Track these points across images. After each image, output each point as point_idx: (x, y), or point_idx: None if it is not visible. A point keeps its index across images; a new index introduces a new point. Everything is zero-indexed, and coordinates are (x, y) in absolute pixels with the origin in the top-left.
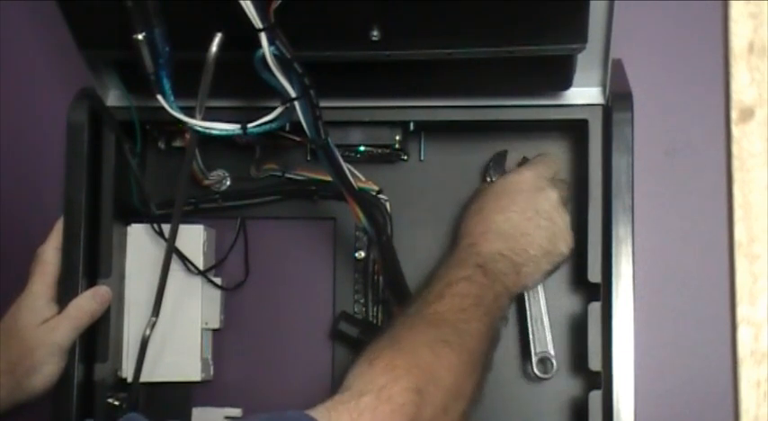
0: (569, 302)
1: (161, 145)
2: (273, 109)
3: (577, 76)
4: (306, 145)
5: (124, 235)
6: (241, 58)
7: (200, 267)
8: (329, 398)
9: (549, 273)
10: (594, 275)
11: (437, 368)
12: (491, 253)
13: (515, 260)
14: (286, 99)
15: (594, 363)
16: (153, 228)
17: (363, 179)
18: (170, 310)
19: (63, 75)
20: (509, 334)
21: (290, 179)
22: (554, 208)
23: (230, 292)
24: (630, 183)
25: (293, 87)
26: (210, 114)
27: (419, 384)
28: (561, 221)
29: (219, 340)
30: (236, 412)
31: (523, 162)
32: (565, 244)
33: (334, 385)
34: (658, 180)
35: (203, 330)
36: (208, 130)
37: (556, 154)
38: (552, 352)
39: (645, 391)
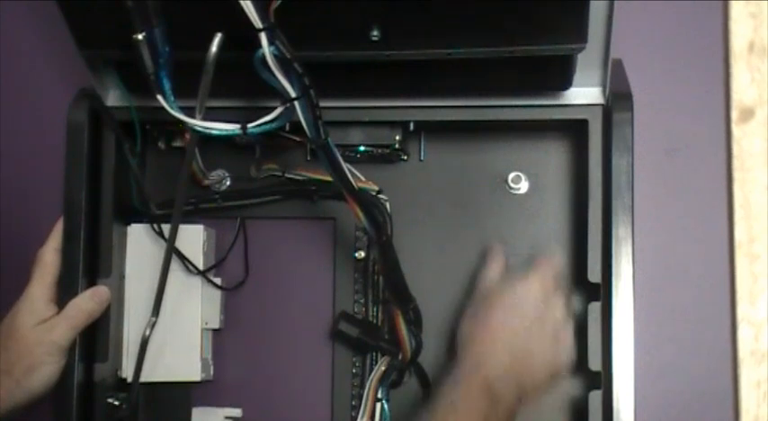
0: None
1: (161, 145)
2: (273, 109)
3: (577, 76)
4: (306, 145)
5: (124, 235)
6: (241, 58)
7: (200, 267)
8: None
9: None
10: (594, 275)
11: None
12: (498, 375)
13: (521, 382)
14: (286, 99)
15: (594, 363)
16: (153, 228)
17: (363, 179)
18: (170, 310)
19: (63, 75)
20: None
21: (290, 179)
22: (560, 323)
23: (230, 292)
24: (630, 183)
25: (293, 87)
26: (210, 114)
27: None
28: (567, 338)
29: (219, 340)
30: (237, 412)
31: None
32: (566, 366)
33: (335, 385)
34: (658, 180)
35: (203, 330)
36: (208, 130)
37: (555, 249)
38: None
39: (645, 391)
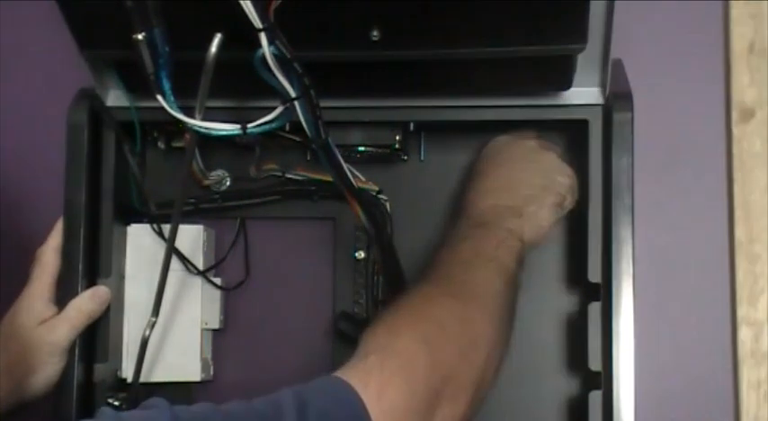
0: (569, 302)
1: (161, 145)
2: (273, 109)
3: (577, 76)
4: (306, 145)
5: (124, 235)
6: (241, 58)
7: (200, 267)
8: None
9: (559, 205)
10: (594, 275)
11: (443, 318)
12: (481, 210)
13: (511, 204)
14: (286, 99)
15: (594, 363)
16: (153, 228)
17: (363, 179)
18: (170, 310)
19: (63, 75)
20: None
21: (290, 179)
22: (533, 151)
23: (230, 292)
24: (630, 183)
25: (293, 87)
26: (210, 114)
27: (425, 335)
28: (547, 158)
29: (219, 340)
30: None
31: None
32: (561, 173)
33: None
34: (658, 180)
35: (203, 330)
36: (208, 130)
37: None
38: None
39: (645, 391)
